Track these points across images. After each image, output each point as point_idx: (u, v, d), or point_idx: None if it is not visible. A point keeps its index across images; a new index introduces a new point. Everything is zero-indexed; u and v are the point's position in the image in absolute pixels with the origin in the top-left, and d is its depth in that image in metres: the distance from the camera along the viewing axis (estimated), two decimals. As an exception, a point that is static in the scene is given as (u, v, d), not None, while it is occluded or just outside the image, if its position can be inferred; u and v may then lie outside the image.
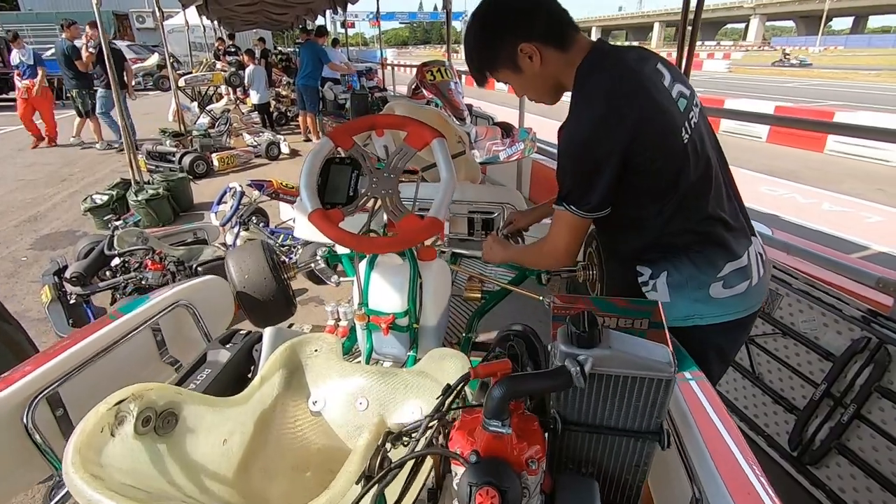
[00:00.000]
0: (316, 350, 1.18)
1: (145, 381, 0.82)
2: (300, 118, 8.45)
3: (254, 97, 8.82)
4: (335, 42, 10.11)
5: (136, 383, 0.81)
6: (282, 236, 3.66)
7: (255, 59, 9.00)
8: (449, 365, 1.09)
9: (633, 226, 1.12)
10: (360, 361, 1.27)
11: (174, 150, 6.47)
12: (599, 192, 1.02)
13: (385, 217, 1.15)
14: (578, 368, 0.59)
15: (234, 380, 1.10)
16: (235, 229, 3.63)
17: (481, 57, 1.15)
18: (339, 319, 1.38)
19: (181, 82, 8.25)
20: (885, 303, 1.90)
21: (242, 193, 3.60)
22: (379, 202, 1.12)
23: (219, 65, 12.40)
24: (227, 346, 1.14)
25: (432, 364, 1.12)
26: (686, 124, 1.03)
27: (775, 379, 2.15)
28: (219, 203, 3.72)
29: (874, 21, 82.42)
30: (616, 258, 1.25)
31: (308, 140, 8.44)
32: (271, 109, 9.91)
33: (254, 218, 3.82)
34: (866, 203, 5.29)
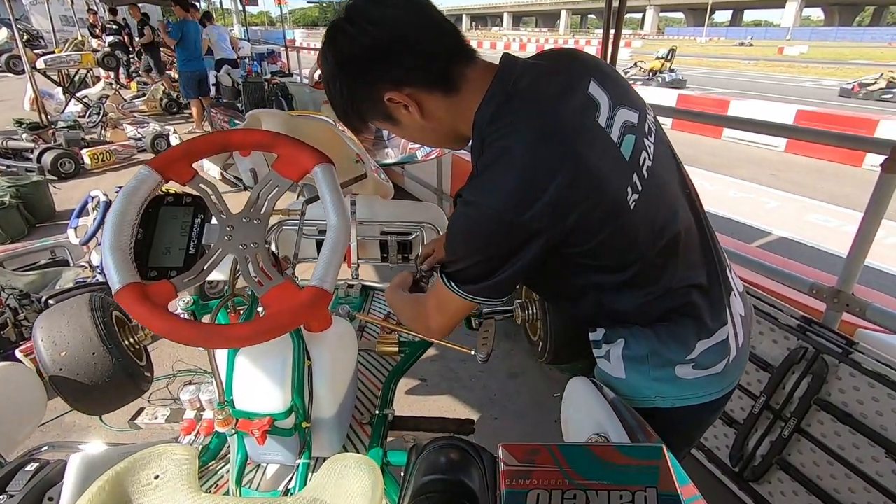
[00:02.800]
0: (157, 476, 0.81)
1: None
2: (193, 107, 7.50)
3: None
4: (207, 17, 8.44)
5: None
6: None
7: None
8: (352, 482, 0.78)
9: (576, 298, 0.87)
10: (227, 477, 0.92)
11: (31, 145, 5.42)
12: (500, 283, 0.75)
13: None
14: None
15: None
16: (103, 247, 3.00)
17: (345, 108, 0.82)
18: (200, 409, 1.00)
19: (40, 63, 6.98)
20: (820, 309, 1.85)
21: (109, 203, 2.97)
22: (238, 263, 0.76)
23: (94, 43, 10.84)
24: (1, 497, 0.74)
25: (330, 481, 0.80)
26: (635, 177, 0.76)
27: (713, 390, 2.06)
28: (79, 215, 3.05)
29: (748, 15, 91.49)
30: (560, 315, 1.00)
31: (206, 132, 7.54)
32: (160, 96, 8.80)
33: (128, 231, 3.20)
34: (764, 188, 5.63)
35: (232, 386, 0.83)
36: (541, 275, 0.77)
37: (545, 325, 1.18)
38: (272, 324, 0.67)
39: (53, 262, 3.12)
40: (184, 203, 0.78)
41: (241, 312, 0.90)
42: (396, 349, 1.21)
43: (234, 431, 0.84)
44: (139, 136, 6.44)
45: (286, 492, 0.92)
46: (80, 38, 10.05)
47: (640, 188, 0.76)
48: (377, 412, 1.08)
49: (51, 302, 2.59)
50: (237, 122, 5.39)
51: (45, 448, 0.99)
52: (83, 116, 6.72)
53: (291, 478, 0.92)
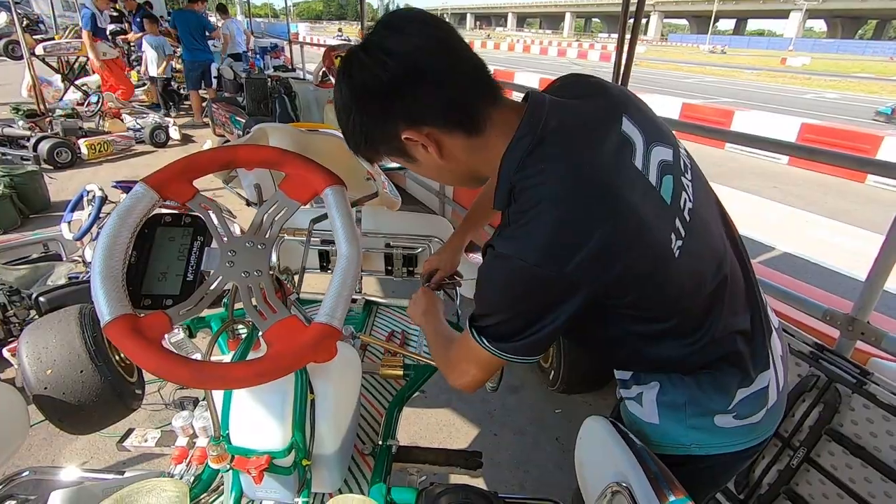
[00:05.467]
0: (145, 514, 0.75)
1: None
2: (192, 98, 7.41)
3: (151, 69, 7.50)
4: (222, 10, 8.35)
5: None
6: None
7: (158, 25, 7.70)
8: (356, 529, 0.73)
9: (612, 347, 0.82)
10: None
11: (28, 133, 5.32)
12: (537, 341, 0.70)
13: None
14: None
15: None
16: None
17: (357, 141, 0.75)
18: (193, 436, 0.94)
19: (39, 50, 6.87)
20: (831, 334, 1.80)
21: (104, 198, 2.89)
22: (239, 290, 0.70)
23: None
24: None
25: (331, 526, 0.75)
26: (678, 222, 0.71)
27: (719, 413, 2.01)
28: (73, 210, 2.98)
29: (751, 24, 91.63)
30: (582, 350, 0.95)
31: (206, 125, 7.44)
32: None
33: (123, 226, 3.12)
34: (768, 202, 5.59)
35: (228, 420, 0.78)
36: (575, 324, 0.72)
37: (559, 354, 1.13)
38: (275, 365, 0.61)
39: (46, 257, 3.05)
40: (182, 224, 0.72)
41: (241, 338, 0.84)
42: (401, 373, 1.16)
43: (228, 468, 0.78)
44: (138, 126, 6.36)
45: (283, 532, 0.86)
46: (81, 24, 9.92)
47: (683, 234, 0.70)
48: (380, 443, 1.03)
49: (41, 299, 2.52)
50: (238, 118, 5.30)
51: (26, 474, 0.93)
52: (81, 105, 6.62)
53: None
